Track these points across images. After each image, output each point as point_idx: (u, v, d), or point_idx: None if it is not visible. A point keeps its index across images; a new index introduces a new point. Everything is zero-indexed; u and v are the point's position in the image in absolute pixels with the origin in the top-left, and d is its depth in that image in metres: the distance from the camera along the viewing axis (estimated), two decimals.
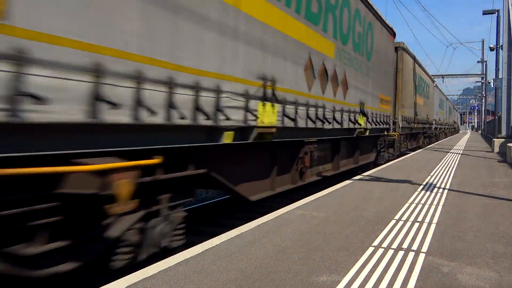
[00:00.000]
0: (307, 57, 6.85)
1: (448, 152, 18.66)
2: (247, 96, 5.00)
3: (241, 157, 5.84)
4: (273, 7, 5.62)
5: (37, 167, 2.70)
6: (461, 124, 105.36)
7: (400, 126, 16.02)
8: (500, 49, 23.53)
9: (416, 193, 7.39)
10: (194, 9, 4.01)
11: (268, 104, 5.48)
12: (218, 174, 5.18)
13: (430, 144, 28.21)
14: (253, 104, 5.14)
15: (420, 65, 21.74)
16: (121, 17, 3.17)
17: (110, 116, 3.05)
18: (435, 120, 30.12)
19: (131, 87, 3.24)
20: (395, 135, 14.79)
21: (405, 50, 16.82)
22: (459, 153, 18.10)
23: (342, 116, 8.63)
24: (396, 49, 15.68)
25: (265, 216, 5.48)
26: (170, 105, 3.66)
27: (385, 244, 4.24)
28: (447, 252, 3.99)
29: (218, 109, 4.44)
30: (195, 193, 4.83)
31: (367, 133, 10.80)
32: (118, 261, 3.75)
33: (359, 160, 11.72)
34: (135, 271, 3.45)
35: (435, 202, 6.53)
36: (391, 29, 13.77)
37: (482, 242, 4.35)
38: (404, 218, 5.43)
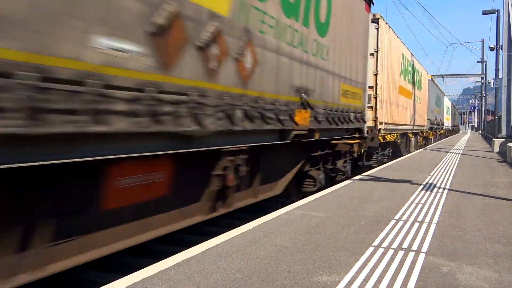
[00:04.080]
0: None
1: (448, 152, 18.67)
2: None
3: None
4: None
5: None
6: (461, 124, 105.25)
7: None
8: (500, 49, 23.56)
9: (416, 193, 7.40)
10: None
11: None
12: None
13: (435, 142, 29.83)
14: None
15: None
16: None
17: None
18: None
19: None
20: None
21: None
22: (459, 153, 18.10)
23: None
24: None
25: (265, 216, 5.48)
26: None
27: (385, 244, 4.24)
28: (447, 252, 3.99)
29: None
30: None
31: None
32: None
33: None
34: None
35: (435, 202, 6.53)
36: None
37: (482, 242, 4.36)
38: (404, 218, 5.44)
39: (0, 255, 2.86)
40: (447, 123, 46.70)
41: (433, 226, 4.99)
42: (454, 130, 64.81)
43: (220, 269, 3.45)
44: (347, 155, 9.69)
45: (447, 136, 45.67)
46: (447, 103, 46.88)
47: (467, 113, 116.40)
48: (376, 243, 4.28)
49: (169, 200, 4.37)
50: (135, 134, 3.36)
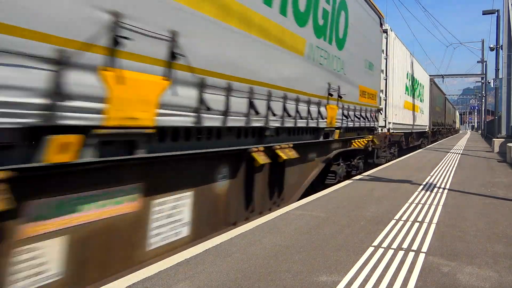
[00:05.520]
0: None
1: (448, 152, 18.67)
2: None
3: None
4: None
5: None
6: (461, 124, 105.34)
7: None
8: (500, 49, 23.56)
9: (416, 193, 7.40)
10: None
11: None
12: None
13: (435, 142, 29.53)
14: None
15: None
16: None
17: None
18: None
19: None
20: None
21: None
22: (459, 153, 18.10)
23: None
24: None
25: (265, 216, 5.48)
26: None
27: (385, 244, 4.24)
28: (447, 252, 3.99)
29: None
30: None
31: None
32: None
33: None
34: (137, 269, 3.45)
35: (435, 202, 6.53)
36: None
37: (482, 242, 4.36)
38: (404, 218, 5.44)
39: None
40: (411, 117, 19.40)
41: (433, 226, 4.99)
42: (440, 132, 36.58)
43: (220, 269, 3.45)
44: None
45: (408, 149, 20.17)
46: (412, 64, 19.33)
47: (467, 113, 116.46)
48: (376, 243, 4.28)
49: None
50: None
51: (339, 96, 8.34)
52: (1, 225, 2.59)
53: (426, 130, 26.18)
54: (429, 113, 27.08)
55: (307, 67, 6.94)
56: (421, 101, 22.72)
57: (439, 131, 36.01)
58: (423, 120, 23.93)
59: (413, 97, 19.94)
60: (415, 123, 20.54)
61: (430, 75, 29.97)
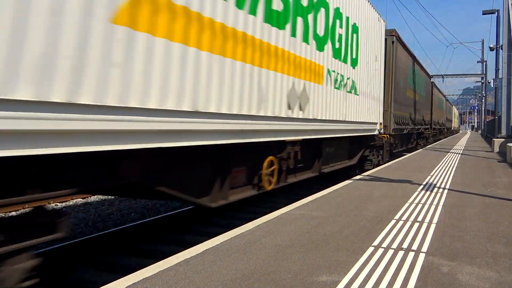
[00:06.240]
0: None
1: (448, 152, 18.67)
2: None
3: None
4: None
5: None
6: (461, 124, 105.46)
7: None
8: (500, 49, 23.59)
9: (416, 193, 7.40)
10: None
11: None
12: None
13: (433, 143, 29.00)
14: None
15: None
16: None
17: None
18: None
19: None
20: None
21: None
22: (459, 153, 18.10)
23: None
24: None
25: (265, 216, 5.48)
26: None
27: (385, 244, 4.24)
28: (447, 252, 3.99)
29: None
30: None
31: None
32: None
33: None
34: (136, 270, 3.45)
35: (435, 202, 6.53)
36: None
37: (482, 242, 4.36)
38: (404, 218, 5.44)
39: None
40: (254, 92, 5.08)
41: (433, 226, 4.99)
42: (421, 135, 23.33)
43: (220, 269, 3.45)
44: None
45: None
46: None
47: (467, 113, 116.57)
48: (376, 243, 4.28)
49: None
50: None
51: None
52: None
53: (376, 132, 12.14)
54: (389, 97, 13.82)
55: None
56: (349, 63, 9.46)
57: (420, 133, 21.79)
58: (362, 111, 10.73)
59: (305, 41, 6.86)
60: (314, 115, 7.48)
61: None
